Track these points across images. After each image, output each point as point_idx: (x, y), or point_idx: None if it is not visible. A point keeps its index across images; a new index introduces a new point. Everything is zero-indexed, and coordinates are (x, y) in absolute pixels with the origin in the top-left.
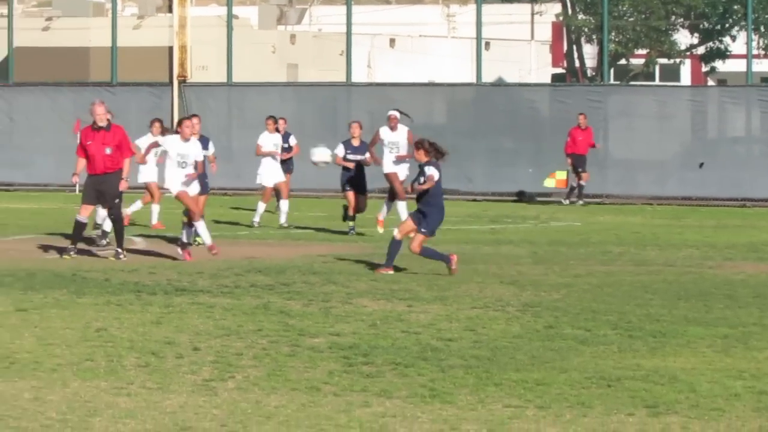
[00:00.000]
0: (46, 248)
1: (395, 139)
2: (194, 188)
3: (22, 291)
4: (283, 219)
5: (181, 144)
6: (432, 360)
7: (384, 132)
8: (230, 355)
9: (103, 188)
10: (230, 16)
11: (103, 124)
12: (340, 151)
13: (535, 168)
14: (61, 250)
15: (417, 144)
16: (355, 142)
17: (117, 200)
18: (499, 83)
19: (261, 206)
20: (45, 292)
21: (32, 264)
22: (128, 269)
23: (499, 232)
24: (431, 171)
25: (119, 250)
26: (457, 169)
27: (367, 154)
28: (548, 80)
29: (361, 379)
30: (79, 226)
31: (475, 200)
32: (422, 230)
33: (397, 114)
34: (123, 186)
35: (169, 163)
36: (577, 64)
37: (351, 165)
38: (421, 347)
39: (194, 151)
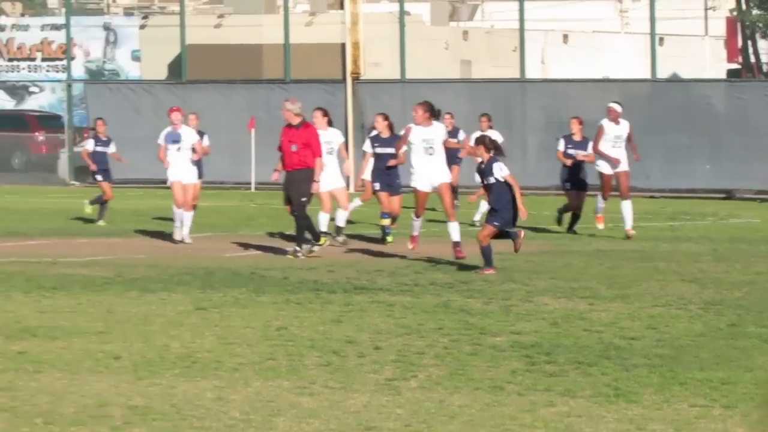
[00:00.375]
0: (224, 246)
1: (620, 133)
2: (443, 177)
3: (201, 290)
4: (477, 216)
5: (425, 129)
6: (615, 359)
7: (608, 125)
8: (412, 353)
9: (289, 185)
10: (402, 13)
11: (292, 122)
12: (561, 146)
13: (712, 164)
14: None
15: (478, 140)
16: (576, 137)
17: (303, 199)
18: (674, 79)
19: (483, 205)
20: (224, 290)
21: (210, 262)
22: (306, 267)
23: (678, 229)
24: (504, 171)
25: (297, 248)
26: (634, 166)
27: (582, 152)
28: (723, 76)
29: (545, 378)
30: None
31: (652, 197)
32: (495, 223)
33: (617, 107)
34: (315, 188)
35: (414, 151)
36: (752, 59)
37: (569, 162)
38: (604, 346)
39: (439, 134)
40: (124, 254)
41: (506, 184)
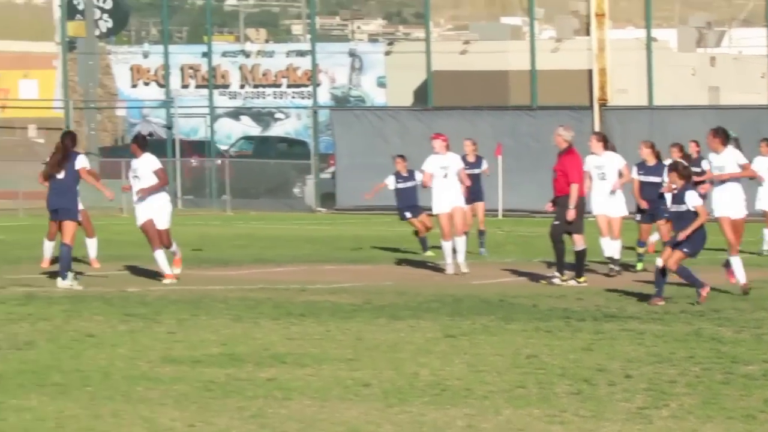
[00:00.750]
0: (472, 273)
1: None
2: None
3: (450, 317)
4: (766, 246)
5: (718, 156)
6: None
7: None
8: (663, 382)
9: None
10: (649, 39)
11: (560, 148)
12: None
13: None
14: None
15: (671, 167)
16: None
17: (555, 223)
18: None
19: None
20: (473, 318)
21: (458, 290)
22: (556, 295)
23: None
24: (696, 201)
25: (555, 274)
26: None
27: None
28: None
29: None
30: (578, 255)
31: None
32: (684, 249)
33: None
34: (570, 215)
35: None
36: None
37: None
38: None
39: (729, 160)
40: (371, 281)
41: (695, 213)
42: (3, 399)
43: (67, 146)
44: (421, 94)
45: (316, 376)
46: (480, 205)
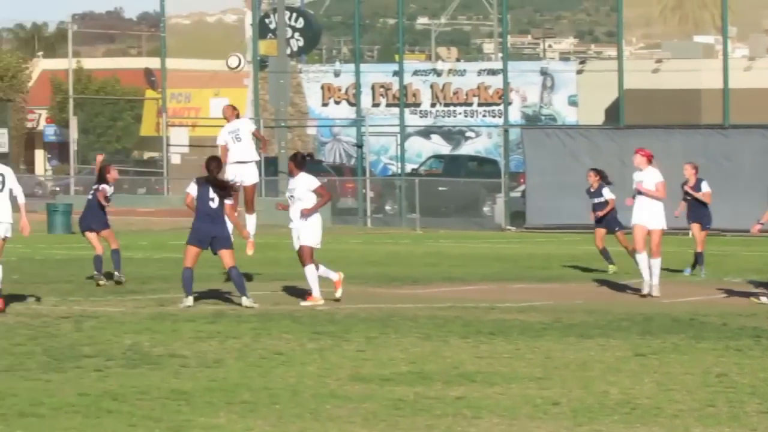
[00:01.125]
0: (663, 292)
1: None
2: None
3: (640, 335)
4: None
5: None
6: None
7: None
8: None
9: None
10: None
11: None
12: None
13: None
14: None
15: None
16: None
17: None
18: None
19: None
20: (663, 336)
21: (649, 308)
22: (746, 314)
23: None
24: None
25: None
26: None
27: None
28: None
29: None
30: None
31: None
32: None
33: None
34: (753, 229)
35: None
36: None
37: None
38: None
39: None
40: (561, 300)
41: None
42: (192, 417)
43: (213, 172)
44: (613, 113)
45: (505, 395)
46: (703, 234)
